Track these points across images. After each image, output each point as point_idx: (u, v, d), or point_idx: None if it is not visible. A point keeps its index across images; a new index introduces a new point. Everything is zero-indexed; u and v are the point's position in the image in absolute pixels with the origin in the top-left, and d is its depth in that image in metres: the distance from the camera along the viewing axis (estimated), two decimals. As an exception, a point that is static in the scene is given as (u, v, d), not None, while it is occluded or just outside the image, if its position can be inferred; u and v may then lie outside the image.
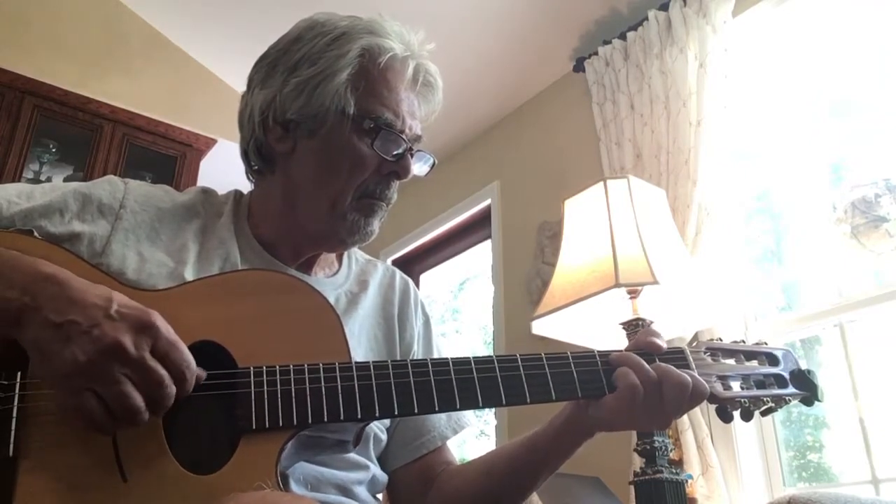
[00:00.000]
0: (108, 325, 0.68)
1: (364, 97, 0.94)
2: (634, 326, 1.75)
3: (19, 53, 3.05)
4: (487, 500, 0.98)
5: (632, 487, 1.70)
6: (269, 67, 0.98)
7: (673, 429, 1.98)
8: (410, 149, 0.97)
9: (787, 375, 0.92)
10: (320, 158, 0.95)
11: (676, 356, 0.88)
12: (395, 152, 0.96)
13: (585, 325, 1.90)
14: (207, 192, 1.04)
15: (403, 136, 0.96)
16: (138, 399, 0.68)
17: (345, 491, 0.92)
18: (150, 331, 0.69)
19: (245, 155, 1.02)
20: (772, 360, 0.93)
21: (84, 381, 0.67)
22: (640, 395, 0.82)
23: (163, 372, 0.69)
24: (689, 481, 1.84)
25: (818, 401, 0.91)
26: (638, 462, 1.76)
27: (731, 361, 0.93)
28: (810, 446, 2.18)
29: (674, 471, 1.64)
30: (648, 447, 1.64)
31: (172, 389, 0.70)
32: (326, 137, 0.94)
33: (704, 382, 0.85)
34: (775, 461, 2.05)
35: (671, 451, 1.71)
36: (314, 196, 0.96)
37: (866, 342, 1.98)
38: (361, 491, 0.95)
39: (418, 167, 1.01)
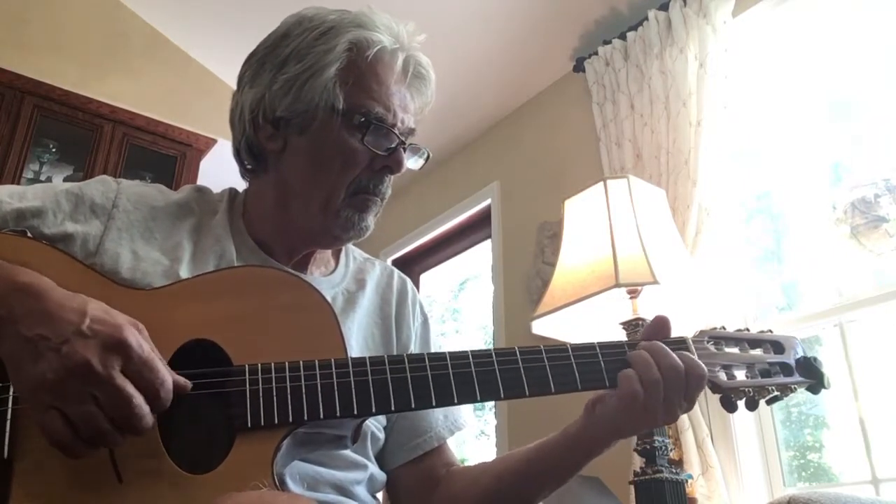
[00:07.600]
0: (79, 343, 0.65)
1: (353, 92, 0.93)
2: (634, 326, 1.75)
3: (19, 53, 3.05)
4: (495, 503, 0.97)
5: (632, 487, 1.69)
6: (258, 65, 0.97)
7: (673, 429, 1.98)
8: (403, 143, 0.96)
9: (792, 363, 0.90)
10: (311, 155, 0.94)
11: (678, 345, 0.86)
12: (386, 147, 0.94)
13: (585, 325, 1.89)
14: (201, 191, 1.03)
15: (395, 131, 0.95)
16: (102, 420, 0.65)
17: (343, 490, 0.91)
18: (121, 349, 0.67)
19: (237, 154, 1.01)
20: (777, 347, 0.91)
21: (50, 399, 0.65)
22: (640, 397, 0.80)
23: (131, 391, 0.66)
24: (689, 481, 1.83)
25: (825, 388, 0.89)
26: (638, 462, 1.76)
27: (735, 350, 0.91)
28: (810, 446, 2.17)
29: (674, 471, 1.64)
30: (648, 447, 1.63)
31: (144, 409, 0.67)
32: (317, 134, 0.93)
33: (701, 363, 0.83)
34: (775, 461, 2.05)
35: (671, 450, 1.71)
36: (307, 193, 0.95)
37: (866, 342, 1.98)
38: (360, 490, 0.94)
39: (412, 161, 1.00)
